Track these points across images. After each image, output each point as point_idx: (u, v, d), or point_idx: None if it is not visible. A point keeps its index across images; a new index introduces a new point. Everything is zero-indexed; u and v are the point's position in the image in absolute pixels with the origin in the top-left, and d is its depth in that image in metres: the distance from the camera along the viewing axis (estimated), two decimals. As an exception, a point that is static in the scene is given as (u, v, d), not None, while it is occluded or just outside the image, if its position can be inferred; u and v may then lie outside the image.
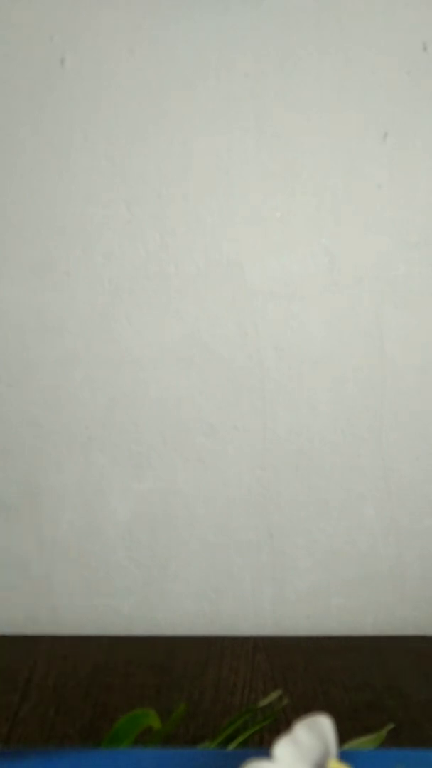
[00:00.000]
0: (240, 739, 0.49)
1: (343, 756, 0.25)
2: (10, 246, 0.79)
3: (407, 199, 0.78)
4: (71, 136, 0.77)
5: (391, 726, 0.56)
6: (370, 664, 0.75)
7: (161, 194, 0.78)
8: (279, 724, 0.56)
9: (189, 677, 0.73)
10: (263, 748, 0.25)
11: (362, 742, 0.49)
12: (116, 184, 0.78)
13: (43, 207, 0.78)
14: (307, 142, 0.78)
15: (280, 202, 0.78)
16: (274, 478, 0.82)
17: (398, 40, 0.76)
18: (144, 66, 0.77)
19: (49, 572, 0.84)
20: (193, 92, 0.77)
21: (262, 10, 0.76)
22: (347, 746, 0.46)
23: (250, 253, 0.79)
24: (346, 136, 0.78)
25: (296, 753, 0.25)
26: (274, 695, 0.66)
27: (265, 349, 0.80)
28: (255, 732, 0.52)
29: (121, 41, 0.76)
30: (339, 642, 0.81)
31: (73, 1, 0.76)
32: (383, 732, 0.51)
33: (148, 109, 0.77)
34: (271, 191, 0.78)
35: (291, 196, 0.78)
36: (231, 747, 0.48)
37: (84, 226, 0.79)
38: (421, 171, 0.78)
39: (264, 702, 0.63)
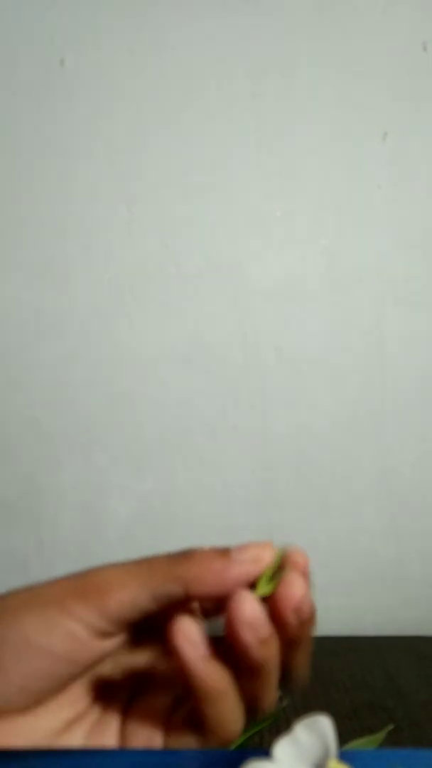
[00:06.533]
0: (240, 740, 0.49)
1: (343, 756, 0.25)
2: (10, 246, 0.79)
3: (407, 199, 0.78)
4: (71, 136, 0.78)
5: (391, 726, 0.56)
6: (370, 664, 0.75)
7: (161, 194, 0.78)
8: (279, 724, 0.56)
9: (189, 677, 0.73)
10: (263, 748, 0.25)
11: (362, 742, 0.49)
12: (116, 184, 0.78)
13: (43, 207, 0.78)
14: (307, 142, 0.78)
15: (280, 202, 0.78)
16: (274, 478, 0.82)
17: (398, 40, 0.76)
18: (144, 66, 0.77)
19: (49, 572, 0.84)
20: (193, 92, 0.77)
21: (261, 10, 0.76)
22: (347, 746, 0.46)
23: (250, 253, 0.79)
24: (346, 136, 0.78)
25: (296, 753, 0.25)
26: (274, 695, 0.66)
27: (265, 349, 0.80)
28: (255, 732, 0.52)
29: (120, 42, 0.76)
30: (339, 642, 0.81)
31: (73, 1, 0.76)
32: (383, 732, 0.51)
33: (148, 110, 0.77)
34: (271, 191, 0.78)
35: (291, 196, 0.78)
36: (231, 747, 0.48)
37: (84, 226, 0.79)
38: (421, 171, 0.78)
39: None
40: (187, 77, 0.77)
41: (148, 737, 0.27)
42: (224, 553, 0.26)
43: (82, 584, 0.26)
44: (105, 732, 0.27)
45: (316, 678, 0.73)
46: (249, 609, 0.25)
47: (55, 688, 0.26)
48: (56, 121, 0.77)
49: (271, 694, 0.27)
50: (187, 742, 0.27)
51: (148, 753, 0.26)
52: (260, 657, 0.25)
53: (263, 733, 0.52)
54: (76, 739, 0.27)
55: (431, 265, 0.79)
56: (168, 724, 0.27)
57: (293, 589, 0.25)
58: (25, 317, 0.80)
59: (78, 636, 0.25)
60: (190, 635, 0.25)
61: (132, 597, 0.25)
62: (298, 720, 0.25)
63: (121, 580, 0.26)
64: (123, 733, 0.27)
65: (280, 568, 0.27)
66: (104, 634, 0.26)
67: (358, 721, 0.65)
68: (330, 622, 0.85)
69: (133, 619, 0.26)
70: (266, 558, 0.26)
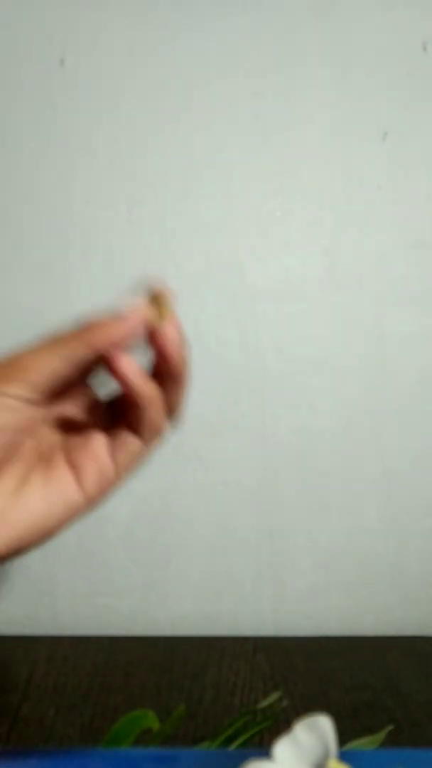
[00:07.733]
0: (240, 740, 0.49)
1: (343, 756, 0.25)
2: (10, 246, 0.79)
3: (407, 199, 0.78)
4: (71, 136, 0.77)
5: (391, 726, 0.56)
6: (370, 664, 0.75)
7: (161, 194, 0.78)
8: (279, 724, 0.56)
9: (189, 677, 0.73)
10: (263, 749, 0.25)
11: (362, 742, 0.49)
12: (116, 184, 0.78)
13: (43, 207, 0.78)
14: (307, 142, 0.78)
15: (280, 202, 0.78)
16: (274, 478, 0.82)
17: (398, 40, 0.76)
18: (143, 66, 0.77)
19: (50, 572, 0.84)
20: (193, 92, 0.77)
21: (261, 10, 0.76)
22: (347, 746, 0.46)
23: (250, 253, 0.79)
24: (346, 136, 0.78)
25: (296, 753, 0.25)
26: (274, 696, 0.66)
27: (265, 349, 0.80)
28: (255, 732, 0.52)
29: (120, 41, 0.76)
30: (339, 642, 0.81)
31: (73, 1, 0.76)
32: (383, 732, 0.51)
33: (147, 109, 0.77)
34: (271, 191, 0.78)
35: (291, 196, 0.78)
36: (231, 748, 0.48)
37: (84, 226, 0.79)
38: (421, 171, 0.78)
39: (264, 704, 0.63)
40: (187, 77, 0.77)
41: (95, 452, 0.37)
42: (117, 317, 0.36)
43: (8, 369, 0.34)
44: (55, 463, 0.36)
45: (316, 678, 0.73)
46: (172, 331, 0.37)
47: (6, 455, 0.34)
48: (56, 121, 0.77)
49: (182, 404, 0.37)
50: (130, 442, 0.38)
51: (147, 753, 0.26)
52: (180, 364, 0.36)
53: (263, 733, 0.52)
54: (34, 481, 0.35)
55: (431, 265, 0.79)
56: (111, 437, 0.37)
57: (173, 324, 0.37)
58: (25, 317, 0.80)
59: (16, 408, 0.33)
60: (130, 362, 0.35)
61: (51, 369, 0.34)
62: (298, 720, 0.25)
63: (39, 357, 0.35)
64: (72, 458, 0.36)
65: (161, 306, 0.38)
66: (35, 402, 0.34)
67: (358, 721, 0.65)
68: (330, 622, 0.85)
69: (55, 384, 0.34)
70: (144, 311, 0.38)
